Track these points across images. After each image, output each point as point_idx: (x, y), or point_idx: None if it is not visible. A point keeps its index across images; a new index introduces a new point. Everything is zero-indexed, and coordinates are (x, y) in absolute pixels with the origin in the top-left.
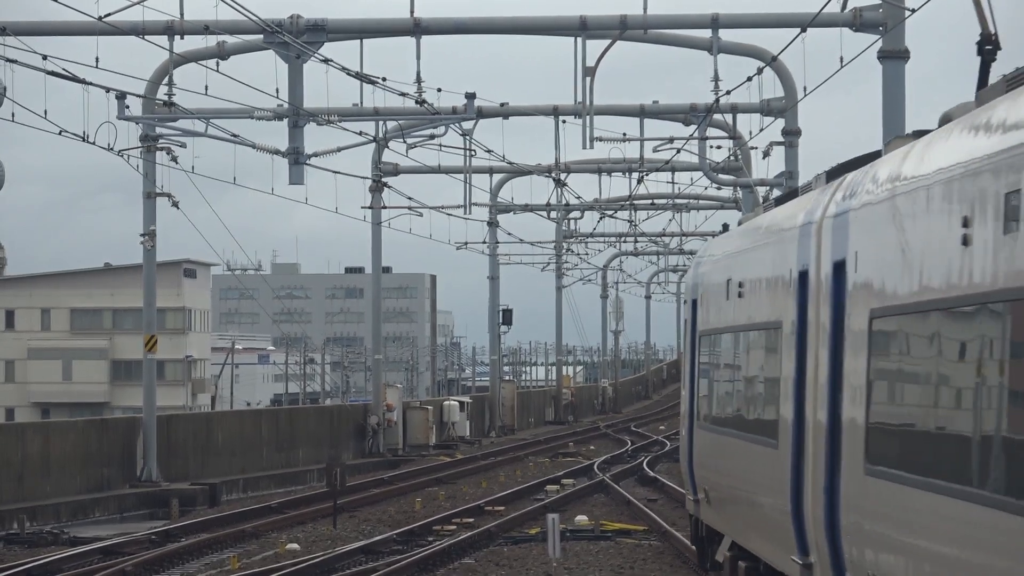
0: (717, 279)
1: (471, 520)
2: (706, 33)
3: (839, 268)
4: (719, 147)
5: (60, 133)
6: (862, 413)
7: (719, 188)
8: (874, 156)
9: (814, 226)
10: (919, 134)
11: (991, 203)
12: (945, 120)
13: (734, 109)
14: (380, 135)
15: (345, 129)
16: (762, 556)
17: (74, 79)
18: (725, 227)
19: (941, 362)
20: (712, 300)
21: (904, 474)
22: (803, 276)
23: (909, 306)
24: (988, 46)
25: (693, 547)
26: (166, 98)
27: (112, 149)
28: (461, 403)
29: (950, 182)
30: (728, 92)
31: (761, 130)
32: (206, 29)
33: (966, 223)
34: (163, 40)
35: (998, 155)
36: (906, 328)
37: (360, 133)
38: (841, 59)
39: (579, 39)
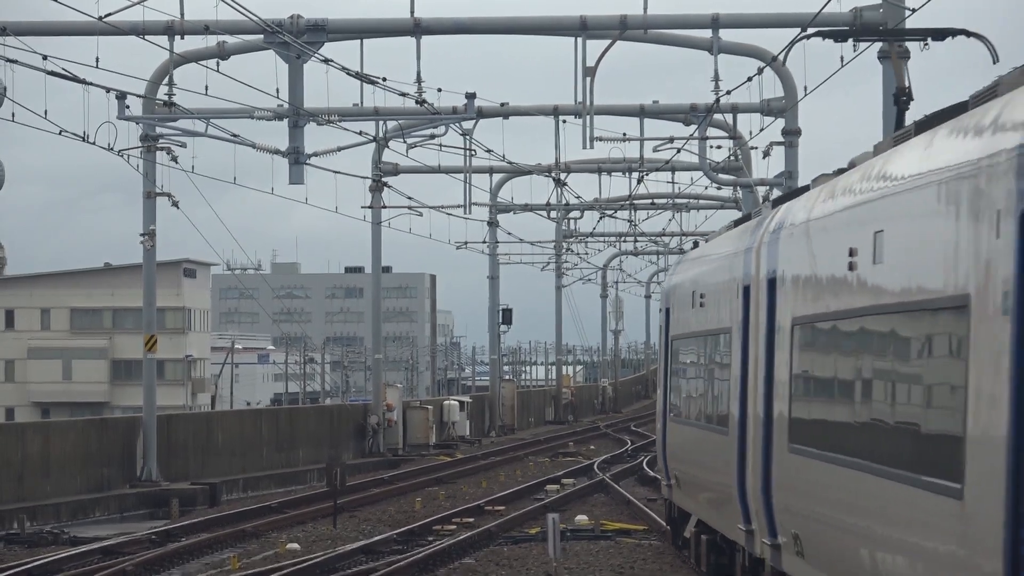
0: (684, 291)
1: (471, 520)
2: (706, 33)
3: (772, 284)
4: (719, 147)
5: (60, 133)
6: (787, 402)
7: (719, 188)
8: (805, 189)
9: (755, 247)
10: (839, 172)
11: (867, 239)
12: (851, 164)
13: (734, 109)
14: (380, 135)
15: (345, 129)
16: (718, 528)
17: (74, 79)
18: (695, 244)
19: (837, 361)
20: (680, 309)
21: (814, 450)
22: (746, 290)
23: (816, 316)
24: (903, 97)
25: (668, 527)
26: (166, 98)
27: (112, 149)
28: (461, 403)
29: (840, 218)
30: (728, 92)
31: (761, 130)
32: (206, 29)
33: (851, 253)
34: (163, 40)
35: (870, 201)
36: (815, 333)
37: (360, 133)
38: (841, 59)
39: (579, 39)
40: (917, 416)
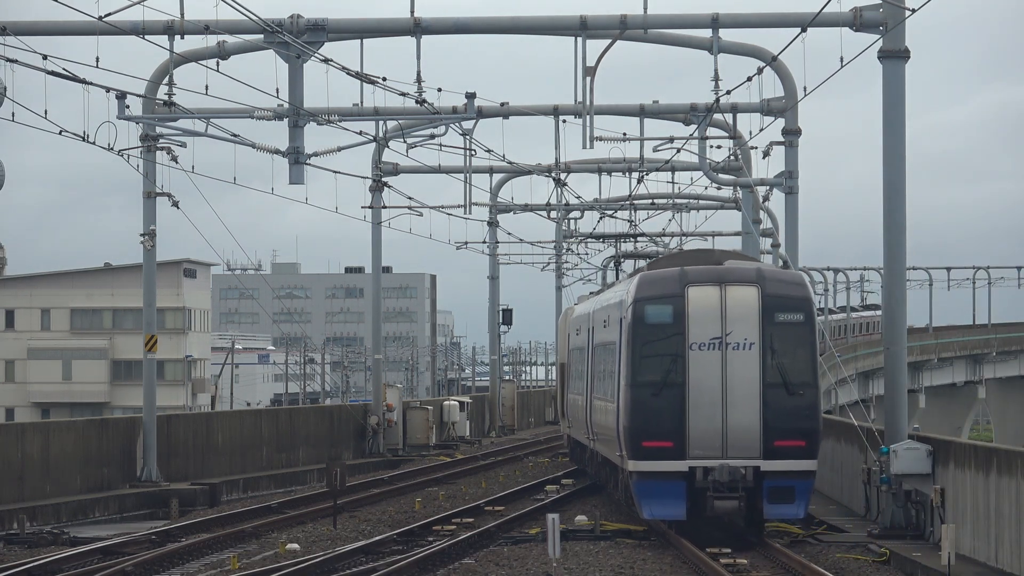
0: (598, 321)
1: (471, 520)
2: (706, 33)
3: (594, 327)
4: (719, 147)
5: (60, 133)
6: (592, 379)
7: (719, 188)
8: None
9: (591, 312)
10: (609, 286)
11: (609, 317)
12: (608, 285)
13: (734, 109)
14: (380, 135)
15: (345, 129)
16: (580, 439)
17: (74, 79)
18: (600, 289)
19: (600, 361)
20: (581, 333)
21: (598, 396)
22: (591, 329)
23: (597, 344)
24: (619, 262)
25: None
26: (166, 98)
27: (112, 149)
28: (461, 403)
29: (605, 307)
30: (728, 92)
31: (761, 130)
32: (206, 29)
33: (605, 322)
34: (163, 40)
35: (610, 302)
36: (598, 350)
37: (360, 133)
38: (841, 59)
39: (579, 39)
40: (611, 380)
